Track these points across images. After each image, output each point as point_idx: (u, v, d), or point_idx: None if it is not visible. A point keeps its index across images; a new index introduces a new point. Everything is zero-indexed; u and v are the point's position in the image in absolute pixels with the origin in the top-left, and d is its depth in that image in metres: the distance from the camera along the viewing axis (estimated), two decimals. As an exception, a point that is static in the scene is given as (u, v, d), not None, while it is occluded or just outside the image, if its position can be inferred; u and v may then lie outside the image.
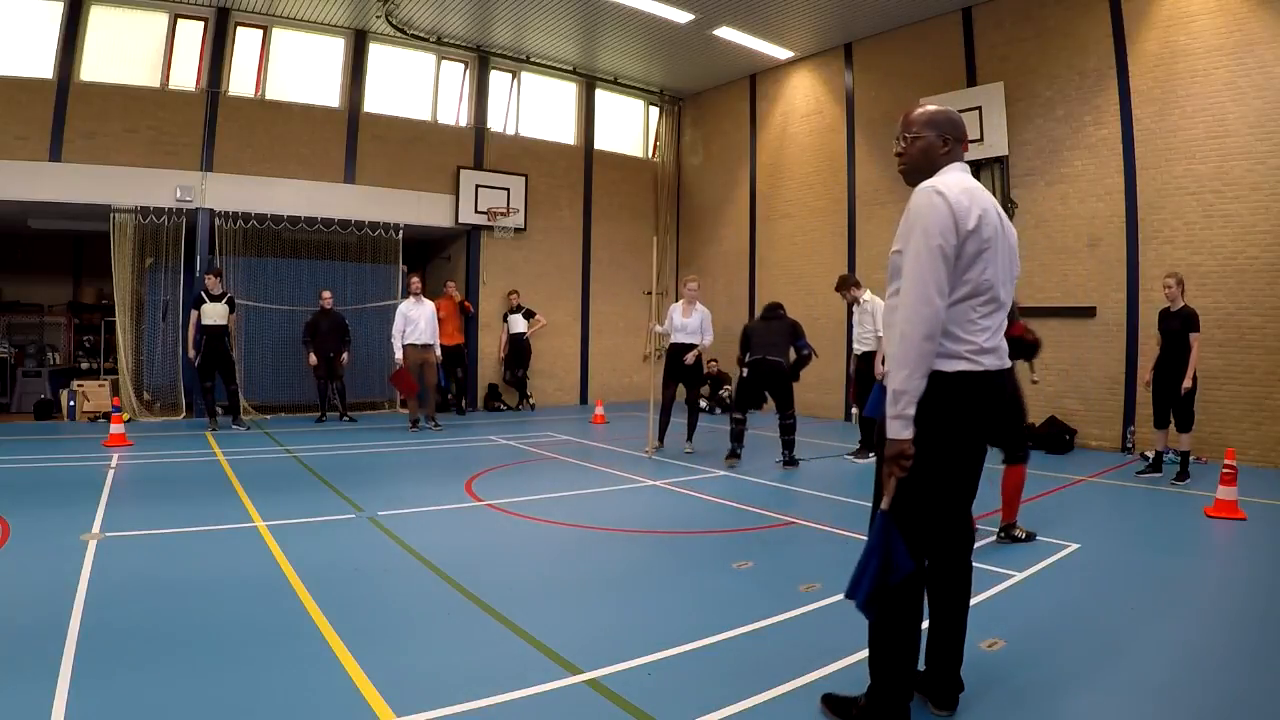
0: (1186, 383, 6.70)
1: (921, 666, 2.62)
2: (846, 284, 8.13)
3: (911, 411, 2.31)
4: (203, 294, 9.27)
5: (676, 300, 8.79)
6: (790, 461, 7.51)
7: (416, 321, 9.67)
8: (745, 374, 7.66)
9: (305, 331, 10.52)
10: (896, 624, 2.43)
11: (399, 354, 9.60)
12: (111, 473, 6.61)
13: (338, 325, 10.56)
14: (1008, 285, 2.53)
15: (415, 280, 10.02)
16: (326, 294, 10.59)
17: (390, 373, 10.09)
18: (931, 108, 2.60)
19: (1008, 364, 2.52)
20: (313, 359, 10.35)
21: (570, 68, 13.42)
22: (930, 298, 2.31)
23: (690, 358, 8.13)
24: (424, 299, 9.89)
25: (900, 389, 2.31)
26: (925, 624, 2.57)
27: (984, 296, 2.41)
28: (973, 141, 9.72)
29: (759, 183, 13.38)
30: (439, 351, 10.05)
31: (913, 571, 2.39)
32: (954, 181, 2.43)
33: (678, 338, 8.21)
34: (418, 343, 9.65)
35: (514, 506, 5.70)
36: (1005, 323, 2.54)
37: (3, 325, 12.01)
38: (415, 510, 5.54)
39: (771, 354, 7.49)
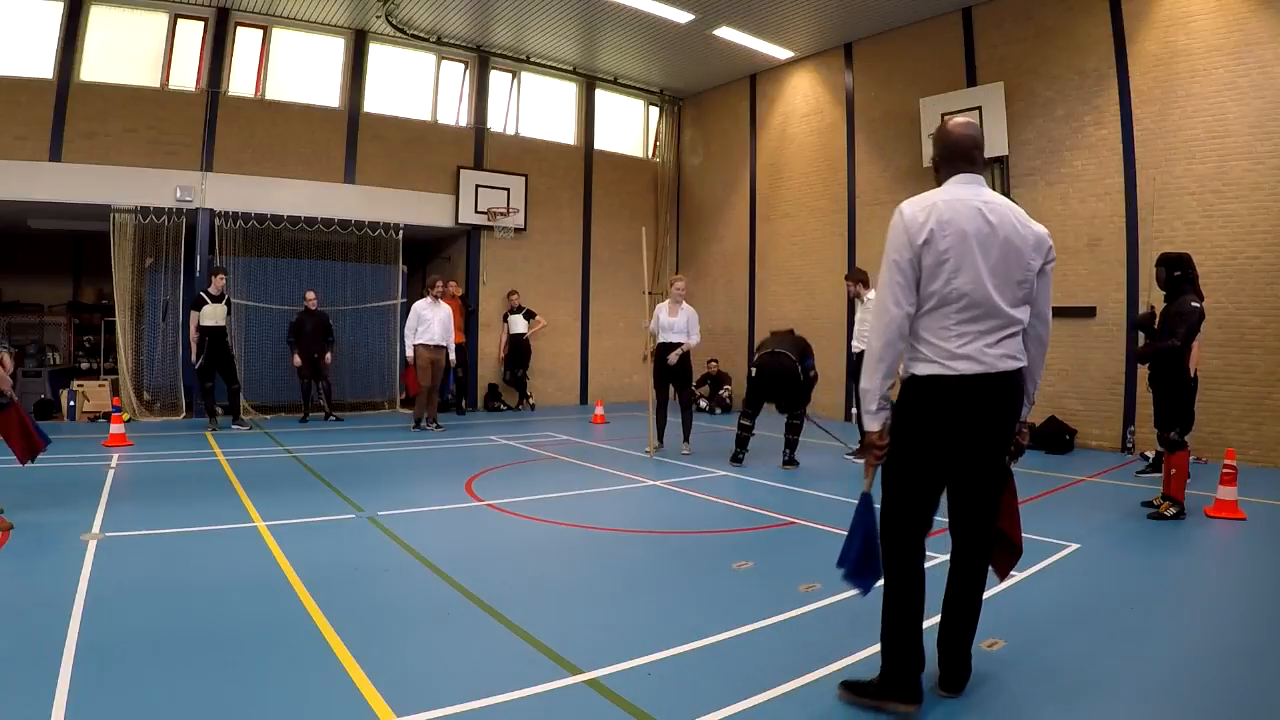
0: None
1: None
2: (857, 277, 8.10)
3: (874, 407, 2.60)
4: (203, 295, 9.29)
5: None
6: (790, 461, 7.50)
7: (430, 322, 9.58)
8: (753, 373, 7.60)
9: (290, 332, 10.54)
10: (899, 602, 2.62)
11: (409, 351, 9.57)
12: (111, 473, 6.61)
13: (322, 325, 10.59)
14: (1009, 289, 2.55)
15: (437, 282, 9.91)
16: (310, 294, 10.61)
17: (402, 369, 10.04)
18: (941, 127, 2.76)
19: (994, 368, 2.54)
20: (298, 360, 10.38)
21: (570, 68, 13.42)
22: (887, 307, 2.56)
23: (673, 358, 8.04)
24: (441, 301, 9.82)
25: (865, 388, 2.62)
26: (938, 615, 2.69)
27: (957, 304, 2.53)
28: (973, 142, 9.71)
29: (759, 183, 13.38)
30: (453, 355, 9.95)
31: (885, 552, 2.67)
32: (928, 196, 2.60)
33: (664, 337, 8.14)
34: (429, 343, 9.57)
35: (514, 506, 5.70)
36: (1009, 327, 2.57)
37: (3, 325, 11.99)
38: (415, 510, 5.54)
39: (780, 346, 7.44)
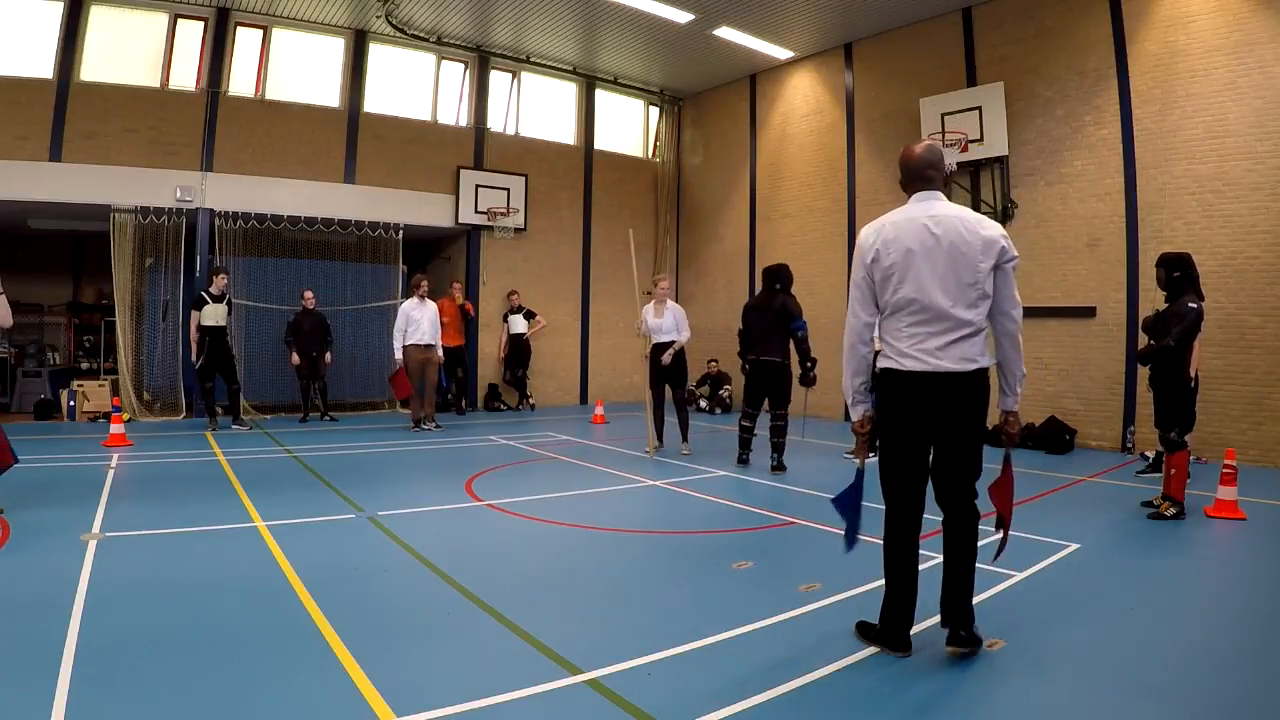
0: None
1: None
2: None
3: (850, 399, 3.16)
4: (204, 295, 9.29)
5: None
6: (778, 466, 7.26)
7: (419, 322, 9.59)
8: (746, 372, 7.61)
9: (288, 331, 10.57)
10: (893, 571, 3.07)
11: (399, 353, 9.55)
12: (111, 473, 6.61)
13: (320, 325, 10.60)
14: (959, 292, 2.86)
15: (422, 281, 9.90)
16: (308, 294, 10.63)
17: (391, 372, 10.06)
18: (902, 152, 3.13)
19: (939, 368, 2.90)
20: (296, 359, 10.41)
21: (570, 68, 13.42)
22: (850, 318, 3.10)
23: (667, 357, 8.05)
24: (428, 300, 9.83)
25: (844, 384, 3.18)
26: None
27: (907, 310, 2.95)
28: (972, 141, 9.73)
29: (759, 183, 13.38)
30: (441, 352, 10.01)
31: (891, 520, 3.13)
32: (882, 219, 3.05)
33: (656, 338, 8.18)
34: (420, 343, 9.59)
35: (514, 506, 5.70)
36: (961, 329, 2.88)
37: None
38: (415, 510, 5.54)
39: (766, 354, 7.33)
